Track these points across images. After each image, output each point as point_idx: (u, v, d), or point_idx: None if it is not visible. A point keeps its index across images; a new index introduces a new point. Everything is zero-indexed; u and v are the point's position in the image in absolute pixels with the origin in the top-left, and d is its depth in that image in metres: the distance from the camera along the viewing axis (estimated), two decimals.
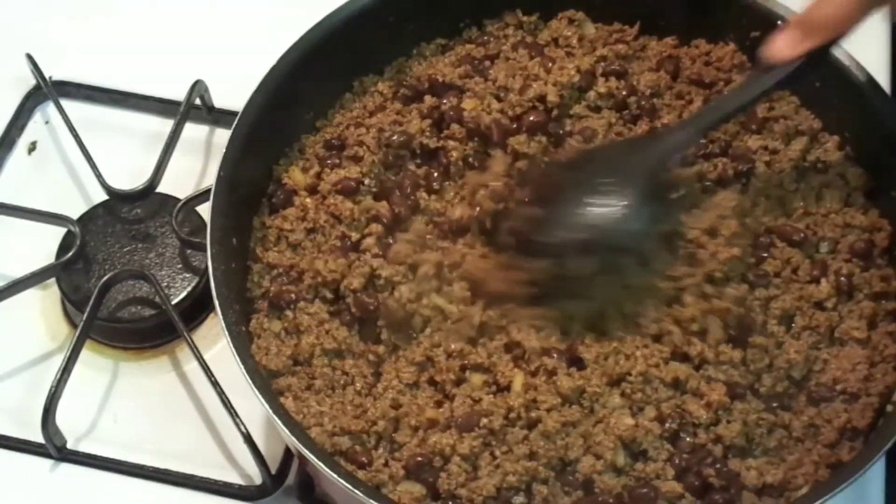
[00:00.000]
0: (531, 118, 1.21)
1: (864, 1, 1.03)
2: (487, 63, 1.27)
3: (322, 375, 1.11)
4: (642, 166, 1.12)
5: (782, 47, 1.07)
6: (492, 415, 1.06)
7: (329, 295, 1.15)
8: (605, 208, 1.10)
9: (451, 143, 1.22)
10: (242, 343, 1.08)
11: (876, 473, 1.21)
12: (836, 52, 1.17)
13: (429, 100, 1.24)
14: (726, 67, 1.24)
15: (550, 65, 1.24)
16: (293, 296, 1.14)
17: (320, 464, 1.00)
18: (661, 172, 1.14)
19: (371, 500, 0.98)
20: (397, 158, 1.23)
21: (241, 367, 1.04)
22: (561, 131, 1.22)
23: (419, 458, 1.05)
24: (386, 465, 1.06)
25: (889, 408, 1.06)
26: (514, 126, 1.22)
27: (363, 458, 1.06)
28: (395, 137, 1.22)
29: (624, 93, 1.23)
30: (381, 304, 1.13)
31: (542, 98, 1.22)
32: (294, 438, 1.02)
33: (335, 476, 0.99)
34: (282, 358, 1.11)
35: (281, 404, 1.06)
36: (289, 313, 1.14)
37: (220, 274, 1.09)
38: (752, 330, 1.11)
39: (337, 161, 1.22)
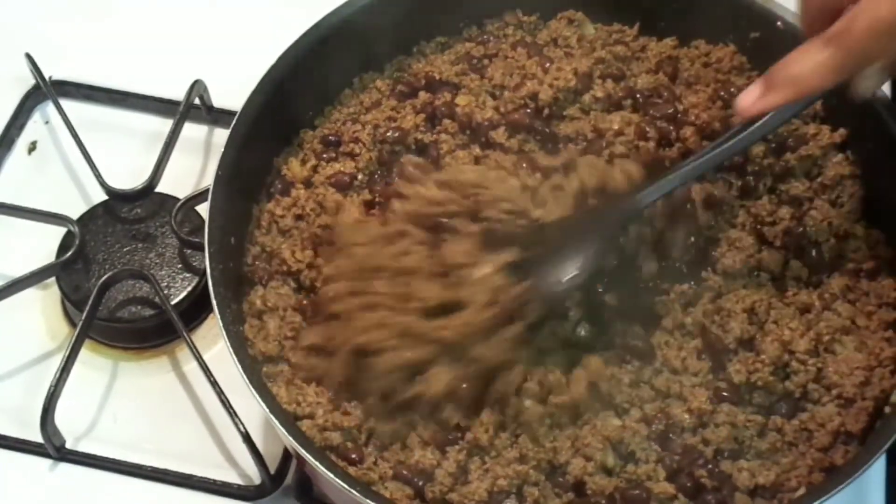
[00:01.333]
0: (515, 116, 1.21)
1: (830, 69, 0.97)
2: (486, 62, 1.27)
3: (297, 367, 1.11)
4: (596, 236, 1.10)
5: (747, 102, 1.03)
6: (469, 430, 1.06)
7: (293, 283, 1.15)
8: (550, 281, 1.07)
9: (444, 136, 1.22)
10: (240, 342, 1.08)
11: (876, 474, 1.21)
12: None
13: (423, 95, 1.24)
14: (725, 69, 1.24)
15: (548, 65, 1.24)
16: (266, 276, 1.15)
17: (316, 463, 1.00)
18: (617, 236, 1.12)
19: (367, 501, 0.98)
20: (392, 154, 1.23)
21: (238, 365, 1.04)
22: (547, 130, 1.21)
23: (404, 472, 1.05)
24: (375, 463, 1.06)
25: (887, 409, 1.06)
26: (504, 122, 1.22)
27: (354, 455, 1.05)
28: (389, 133, 1.22)
29: (620, 94, 1.23)
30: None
31: (534, 96, 1.22)
32: (291, 438, 1.02)
33: (331, 476, 0.99)
34: (273, 342, 1.11)
35: (278, 403, 1.06)
36: (259, 288, 1.14)
37: (217, 273, 1.09)
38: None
39: (333, 156, 1.22)
